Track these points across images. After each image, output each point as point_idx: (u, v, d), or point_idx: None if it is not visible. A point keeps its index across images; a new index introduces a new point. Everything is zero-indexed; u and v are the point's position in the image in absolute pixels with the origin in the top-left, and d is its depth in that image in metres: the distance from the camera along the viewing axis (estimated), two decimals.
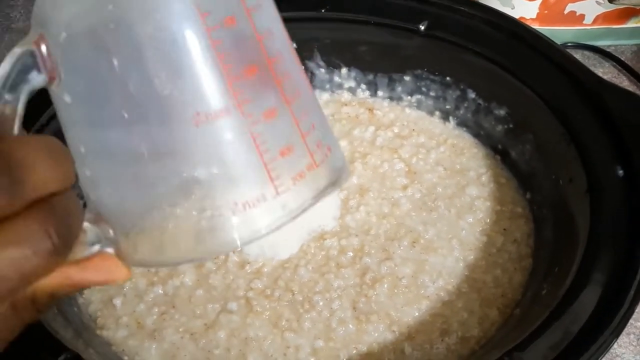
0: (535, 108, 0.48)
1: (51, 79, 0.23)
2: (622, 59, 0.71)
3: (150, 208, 0.23)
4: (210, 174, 0.22)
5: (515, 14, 0.68)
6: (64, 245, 0.21)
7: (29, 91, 0.22)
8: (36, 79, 0.22)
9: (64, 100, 0.23)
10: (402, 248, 0.49)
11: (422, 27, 0.52)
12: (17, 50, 0.22)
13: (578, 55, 0.72)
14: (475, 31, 0.51)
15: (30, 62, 0.22)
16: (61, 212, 0.21)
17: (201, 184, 0.22)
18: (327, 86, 0.59)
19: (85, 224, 0.23)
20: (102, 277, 0.24)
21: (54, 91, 0.23)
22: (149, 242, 0.23)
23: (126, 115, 0.22)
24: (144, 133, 0.22)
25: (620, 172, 0.42)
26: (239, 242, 0.23)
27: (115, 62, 0.22)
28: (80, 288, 0.25)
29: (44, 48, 0.22)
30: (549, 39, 0.50)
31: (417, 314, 0.45)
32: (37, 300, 0.23)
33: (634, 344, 0.49)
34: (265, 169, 0.23)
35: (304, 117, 0.24)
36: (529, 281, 0.47)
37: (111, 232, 0.24)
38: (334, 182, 0.25)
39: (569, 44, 0.71)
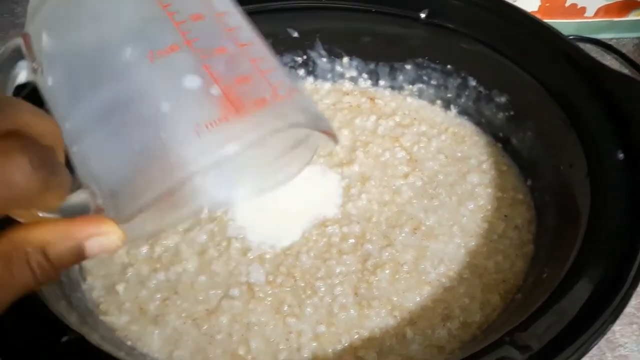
0: (535, 94, 0.49)
1: (35, 69, 0.27)
2: (624, 51, 0.70)
3: (125, 153, 0.25)
4: (171, 104, 0.24)
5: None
6: (41, 165, 0.23)
7: (16, 75, 0.27)
8: (23, 67, 0.27)
9: (47, 84, 0.26)
10: (403, 235, 0.49)
11: (423, 15, 0.52)
12: (10, 43, 0.27)
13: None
14: (475, 19, 0.51)
15: (18, 53, 0.27)
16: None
17: (165, 115, 0.24)
18: (329, 75, 0.59)
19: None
20: (98, 235, 0.25)
21: (39, 79, 0.27)
22: (129, 190, 0.24)
23: (96, 81, 0.25)
24: (112, 86, 0.25)
25: (621, 155, 0.43)
26: (207, 163, 0.23)
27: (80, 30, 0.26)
28: (77, 253, 0.25)
29: (29, 42, 0.27)
30: (548, 24, 0.50)
31: (418, 299, 0.45)
32: (31, 258, 0.24)
33: (636, 333, 0.49)
34: (223, 93, 0.24)
35: (261, 61, 0.26)
36: (531, 267, 0.47)
37: (99, 195, 0.25)
38: (313, 124, 0.26)
39: (571, 37, 0.71)
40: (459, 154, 0.54)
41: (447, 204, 0.51)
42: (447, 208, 0.51)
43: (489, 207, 0.51)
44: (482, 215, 0.50)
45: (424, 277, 0.47)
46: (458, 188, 0.52)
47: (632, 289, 0.37)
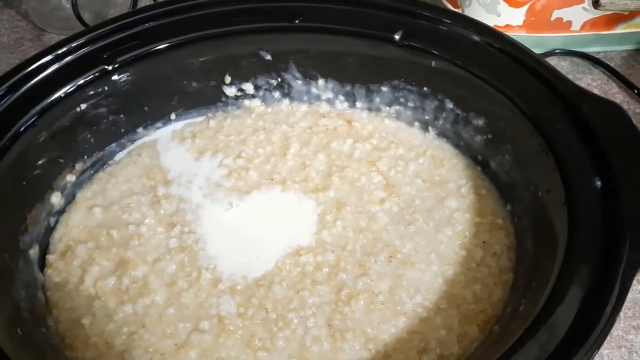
0: (512, 118, 0.47)
1: None
2: (612, 65, 0.70)
3: None
4: None
5: (501, 21, 0.68)
6: None
7: None
8: None
9: None
10: (378, 263, 0.48)
11: (397, 37, 0.51)
12: None
13: (567, 62, 0.71)
14: (450, 40, 0.50)
15: None
16: None
17: None
18: (305, 97, 0.58)
19: None
20: None
21: None
22: None
23: None
24: None
25: (599, 183, 0.41)
26: None
27: None
28: None
29: None
30: (526, 47, 0.49)
31: (394, 331, 0.44)
32: None
33: (625, 357, 0.47)
34: None
35: None
36: (509, 296, 0.46)
37: None
38: None
39: (557, 51, 0.71)
40: (437, 178, 0.53)
41: (424, 230, 0.50)
42: (424, 234, 0.49)
43: (467, 233, 0.49)
44: (460, 242, 0.49)
45: (399, 308, 0.45)
46: (435, 213, 0.51)
47: (614, 314, 0.35)
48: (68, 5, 0.72)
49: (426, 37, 0.50)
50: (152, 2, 0.68)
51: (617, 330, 0.49)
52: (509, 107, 0.47)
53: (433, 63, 0.50)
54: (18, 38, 0.76)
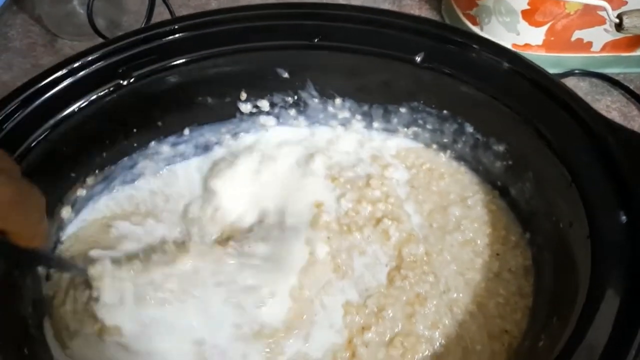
0: (535, 146, 0.46)
1: None
2: (631, 87, 0.69)
3: None
4: None
5: (520, 40, 0.67)
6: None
7: None
8: None
9: None
10: None
11: (419, 59, 0.50)
12: None
13: (586, 82, 0.70)
14: (473, 64, 0.49)
15: None
16: None
17: None
18: (321, 116, 0.57)
19: None
20: None
21: None
22: None
23: None
24: None
25: (623, 217, 0.40)
26: None
27: None
28: None
29: None
30: (551, 74, 0.48)
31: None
32: None
33: None
34: None
35: None
36: (529, 326, 0.45)
37: None
38: None
39: (577, 71, 0.70)
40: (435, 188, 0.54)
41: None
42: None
43: (479, 241, 0.50)
44: (471, 249, 0.50)
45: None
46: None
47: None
48: (82, 11, 0.71)
49: (448, 60, 0.49)
50: (168, 13, 0.67)
51: None
52: (532, 135, 0.46)
53: (455, 87, 0.49)
54: (31, 43, 0.75)
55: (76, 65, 0.48)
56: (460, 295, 0.47)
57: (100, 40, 0.64)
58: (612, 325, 0.36)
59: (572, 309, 0.38)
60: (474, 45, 0.49)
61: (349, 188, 0.54)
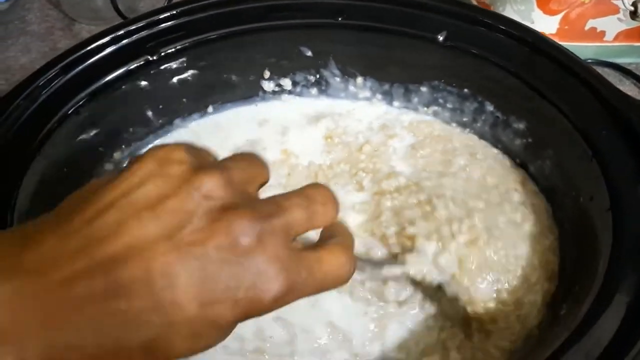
0: (556, 123, 0.47)
1: None
2: None
3: None
4: None
5: (534, 28, 0.67)
6: None
7: None
8: None
9: None
10: None
11: (441, 38, 0.51)
12: None
13: (598, 72, 0.70)
14: (494, 43, 0.50)
15: None
16: None
17: None
18: (342, 94, 0.58)
19: None
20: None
21: None
22: None
23: None
24: None
25: None
26: None
27: None
28: None
29: None
30: (572, 53, 0.48)
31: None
32: None
33: None
34: None
35: None
36: (550, 300, 0.45)
37: None
38: None
39: (589, 61, 0.70)
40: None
41: None
42: None
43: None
44: None
45: None
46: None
47: None
48: None
49: (471, 39, 0.50)
50: None
51: None
52: (552, 112, 0.47)
53: (476, 66, 0.50)
54: (49, 27, 0.76)
55: (104, 41, 0.49)
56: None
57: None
58: (632, 295, 0.36)
59: (595, 277, 0.39)
60: (497, 25, 0.50)
61: (338, 149, 0.54)
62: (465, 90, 0.54)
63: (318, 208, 0.29)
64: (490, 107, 0.53)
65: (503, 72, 0.49)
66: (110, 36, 0.49)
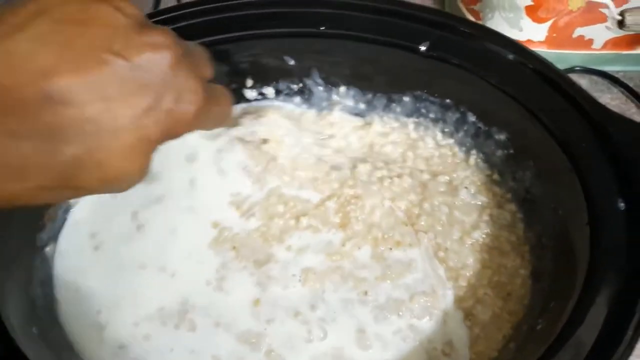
0: (536, 134, 0.47)
1: None
2: (631, 85, 0.69)
3: None
4: None
5: (523, 36, 0.67)
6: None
7: None
8: None
9: None
10: None
11: (423, 48, 0.50)
12: None
13: (586, 80, 0.70)
14: (477, 54, 0.50)
15: None
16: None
17: None
18: (325, 104, 0.57)
19: None
20: None
21: None
22: None
23: None
24: None
25: (622, 205, 0.41)
26: None
27: None
28: None
29: None
30: (553, 65, 0.48)
31: None
32: None
33: None
34: None
35: None
36: (525, 314, 0.46)
37: None
38: None
39: (577, 68, 0.70)
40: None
41: None
42: None
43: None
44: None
45: None
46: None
47: (635, 338, 0.35)
48: None
49: (453, 49, 0.50)
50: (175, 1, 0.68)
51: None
52: (533, 123, 0.47)
53: (458, 76, 0.50)
54: None
55: None
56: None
57: None
58: (608, 310, 0.37)
59: (572, 293, 0.39)
60: (479, 36, 0.50)
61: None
62: (448, 100, 0.54)
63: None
64: (472, 118, 0.53)
65: (484, 83, 0.49)
66: None
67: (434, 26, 0.51)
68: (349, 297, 0.46)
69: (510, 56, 0.49)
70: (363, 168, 0.53)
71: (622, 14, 0.58)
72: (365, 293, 0.46)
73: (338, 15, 0.52)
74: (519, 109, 0.48)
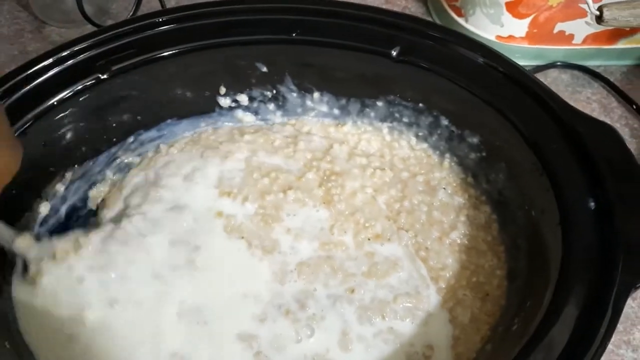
0: (508, 137, 0.47)
1: None
2: (612, 79, 0.70)
3: None
4: None
5: (504, 31, 0.68)
6: None
7: None
8: None
9: None
10: None
11: (394, 53, 0.51)
12: None
13: (567, 75, 0.71)
14: (448, 58, 0.50)
15: None
16: None
17: None
18: (299, 110, 0.57)
19: None
20: None
21: None
22: None
23: None
24: None
25: (592, 204, 0.41)
26: None
27: None
28: None
29: None
30: (522, 67, 0.49)
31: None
32: None
33: None
34: None
35: None
36: (502, 314, 0.46)
37: None
38: None
39: (559, 63, 0.70)
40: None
41: None
42: None
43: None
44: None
45: None
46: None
47: (607, 335, 0.36)
48: None
49: (423, 54, 0.50)
50: (154, 4, 0.67)
51: (609, 344, 0.49)
52: (505, 126, 0.47)
53: (430, 80, 0.50)
54: (18, 29, 0.74)
55: (55, 58, 0.48)
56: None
57: (89, 27, 0.64)
58: (584, 303, 0.37)
59: (545, 292, 0.39)
60: (448, 39, 0.50)
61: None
62: (420, 104, 0.54)
63: None
64: (445, 122, 0.54)
65: (455, 86, 0.49)
66: (60, 54, 0.48)
67: (405, 31, 0.51)
68: (337, 294, 0.46)
69: (480, 59, 0.50)
70: (339, 148, 0.54)
71: (600, 9, 0.58)
72: (353, 291, 0.47)
73: (310, 22, 0.52)
74: (490, 111, 0.48)
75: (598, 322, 0.36)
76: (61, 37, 0.72)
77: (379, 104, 0.55)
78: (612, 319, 0.36)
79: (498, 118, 0.48)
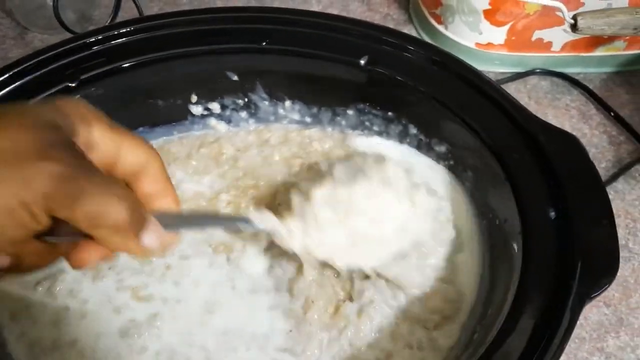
0: (473, 146, 0.48)
1: None
2: (590, 87, 0.70)
3: None
4: None
5: (483, 39, 0.68)
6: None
7: None
8: None
9: None
10: None
11: (363, 62, 0.51)
12: None
13: (547, 82, 0.71)
14: (415, 67, 0.51)
15: None
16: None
17: None
18: (272, 118, 0.58)
19: None
20: None
21: None
22: None
23: None
24: None
25: (553, 214, 0.41)
26: None
27: None
28: None
29: None
30: (489, 78, 0.49)
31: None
32: None
33: None
34: None
35: None
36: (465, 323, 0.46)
37: None
38: None
39: (538, 70, 0.70)
40: None
41: None
42: None
43: None
44: None
45: None
46: None
47: (562, 345, 0.36)
48: (52, 4, 0.71)
49: (391, 63, 0.51)
50: (136, 11, 0.68)
51: (582, 352, 0.50)
52: (470, 135, 0.48)
53: (398, 89, 0.51)
54: (0, 36, 0.74)
55: (23, 67, 0.48)
56: None
57: (69, 34, 0.64)
58: (541, 312, 0.37)
59: (505, 301, 0.39)
60: (415, 49, 0.51)
61: None
62: (390, 113, 0.54)
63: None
64: (413, 130, 0.54)
65: (422, 95, 0.50)
66: (29, 63, 0.49)
67: (373, 40, 0.51)
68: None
69: (446, 69, 0.50)
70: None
71: (574, 17, 0.58)
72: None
73: (279, 31, 0.52)
74: (456, 120, 0.48)
75: (553, 331, 0.36)
76: (43, 43, 0.72)
77: (350, 112, 0.56)
78: (568, 328, 0.36)
79: (463, 127, 0.48)
